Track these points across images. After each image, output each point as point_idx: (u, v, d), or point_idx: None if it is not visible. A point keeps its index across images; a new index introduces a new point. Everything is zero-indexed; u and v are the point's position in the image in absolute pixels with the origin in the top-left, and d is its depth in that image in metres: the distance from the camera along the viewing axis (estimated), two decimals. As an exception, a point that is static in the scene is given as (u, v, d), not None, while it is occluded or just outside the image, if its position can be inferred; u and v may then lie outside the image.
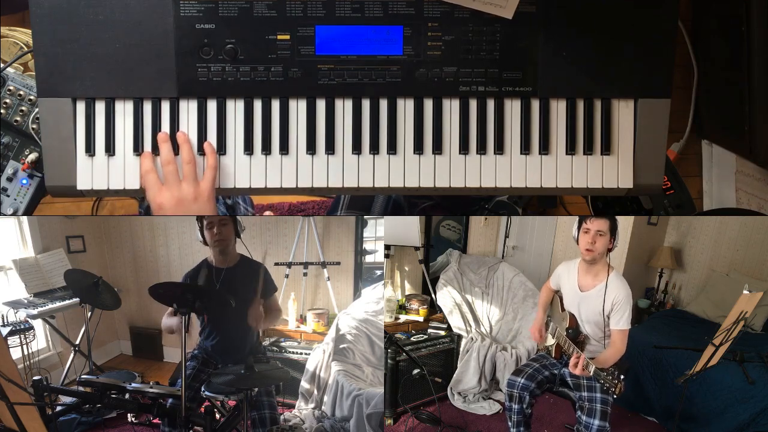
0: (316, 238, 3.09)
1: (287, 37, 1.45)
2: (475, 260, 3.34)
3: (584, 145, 1.52)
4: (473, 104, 1.51)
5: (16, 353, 2.53)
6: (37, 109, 1.71)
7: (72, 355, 2.77)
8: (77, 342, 2.78)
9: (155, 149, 1.47)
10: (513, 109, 1.52)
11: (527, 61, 1.49)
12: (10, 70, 1.73)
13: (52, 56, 1.42)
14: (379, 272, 3.13)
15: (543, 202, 2.58)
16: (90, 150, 1.47)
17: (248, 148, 1.49)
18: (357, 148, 1.50)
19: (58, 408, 1.94)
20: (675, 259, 3.58)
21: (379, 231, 3.16)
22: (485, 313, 3.15)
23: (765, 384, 2.29)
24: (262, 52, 1.46)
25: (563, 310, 2.11)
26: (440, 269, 3.26)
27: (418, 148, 1.50)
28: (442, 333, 2.95)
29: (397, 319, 2.97)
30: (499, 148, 1.51)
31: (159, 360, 3.52)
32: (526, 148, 1.52)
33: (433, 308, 3.08)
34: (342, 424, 2.46)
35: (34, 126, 1.72)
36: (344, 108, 1.50)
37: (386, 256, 2.97)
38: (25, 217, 2.87)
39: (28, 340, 2.57)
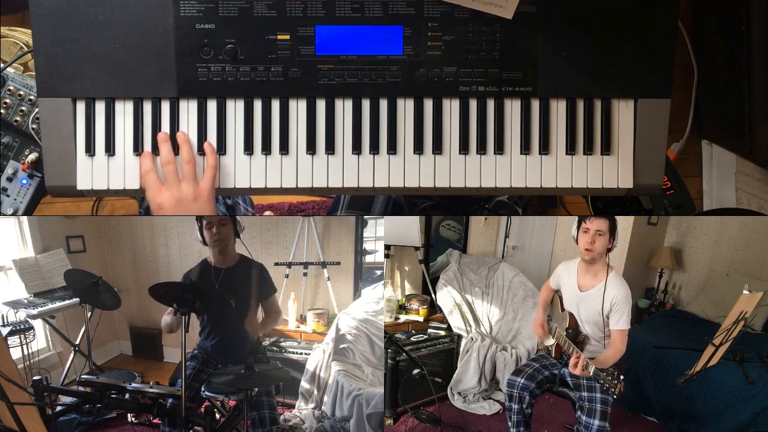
0: (316, 238, 3.09)
1: (287, 37, 1.45)
2: (475, 260, 3.34)
3: (584, 145, 1.52)
4: (473, 104, 1.51)
5: (16, 353, 2.53)
6: (37, 109, 1.71)
7: (72, 355, 2.77)
8: (77, 342, 2.78)
9: (155, 149, 1.47)
10: (513, 109, 1.52)
11: (527, 61, 1.49)
12: (10, 70, 1.73)
13: (52, 56, 1.42)
14: (379, 272, 3.13)
15: (543, 202, 2.58)
16: (90, 150, 1.47)
17: (248, 148, 1.49)
18: (357, 148, 1.50)
19: (58, 408, 1.94)
20: (675, 259, 3.58)
21: (379, 231, 3.16)
22: (485, 313, 3.15)
23: (765, 384, 2.29)
24: (262, 52, 1.46)
25: (563, 310, 2.11)
26: (440, 269, 3.26)
27: (418, 148, 1.50)
28: (442, 333, 2.95)
29: (397, 319, 2.97)
30: (499, 148, 1.51)
31: (159, 360, 3.52)
32: (526, 148, 1.52)
33: (433, 308, 3.08)
34: (342, 424, 2.46)
35: (34, 126, 1.72)
36: (344, 108, 1.50)
37: (386, 256, 2.97)
38: (25, 217, 2.87)
39: (28, 340, 2.57)
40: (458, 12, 1.46)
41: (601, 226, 1.95)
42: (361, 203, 2.25)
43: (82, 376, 1.94)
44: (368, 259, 3.24)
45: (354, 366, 2.67)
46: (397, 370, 2.58)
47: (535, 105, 1.51)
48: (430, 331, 2.96)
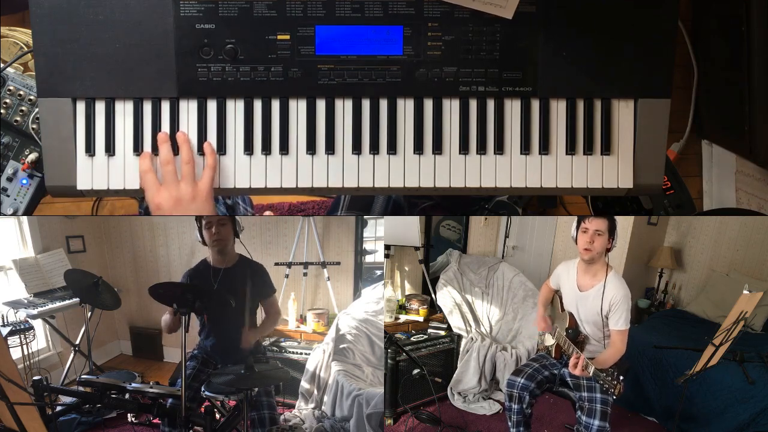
0: (316, 238, 3.09)
1: (287, 37, 1.45)
2: (475, 260, 3.34)
3: (584, 145, 1.52)
4: (473, 104, 1.51)
5: (16, 353, 2.53)
6: (37, 109, 1.71)
7: (72, 355, 2.77)
8: (77, 342, 2.78)
9: (155, 149, 1.47)
10: (513, 109, 1.52)
11: (527, 61, 1.48)
12: (10, 70, 1.73)
13: (52, 56, 1.42)
14: (379, 272, 3.13)
15: (543, 202, 2.58)
16: (90, 150, 1.47)
17: (248, 148, 1.49)
18: (357, 148, 1.50)
19: (58, 408, 1.95)
20: (675, 259, 3.58)
21: (379, 231, 3.16)
22: (485, 313, 3.15)
23: (765, 384, 2.29)
24: (262, 52, 1.46)
25: (563, 310, 2.11)
26: (440, 269, 3.26)
27: (418, 148, 1.50)
28: (442, 333, 2.95)
29: (397, 319, 2.97)
30: (499, 148, 1.51)
31: (159, 360, 3.52)
32: (526, 148, 1.52)
33: (433, 308, 3.08)
34: (342, 424, 2.46)
35: (34, 126, 1.72)
36: (344, 108, 1.50)
37: (386, 256, 2.97)
38: (25, 217, 2.87)
39: (28, 340, 2.57)
40: (458, 12, 1.46)
41: (600, 226, 1.95)
42: (361, 203, 2.25)
43: (82, 376, 1.94)
44: (368, 259, 3.24)
45: (354, 366, 2.67)
46: (397, 370, 2.58)
47: (535, 105, 1.51)
48: (430, 331, 2.96)
